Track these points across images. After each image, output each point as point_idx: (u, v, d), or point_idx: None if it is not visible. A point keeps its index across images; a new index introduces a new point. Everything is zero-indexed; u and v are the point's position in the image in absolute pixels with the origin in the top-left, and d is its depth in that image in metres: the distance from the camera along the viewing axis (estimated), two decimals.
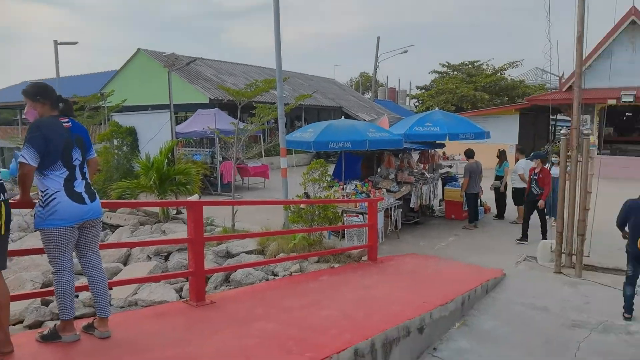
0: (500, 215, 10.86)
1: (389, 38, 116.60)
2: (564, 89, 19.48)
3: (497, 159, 11.06)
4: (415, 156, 11.89)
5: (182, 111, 21.04)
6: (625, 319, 5.24)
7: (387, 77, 52.30)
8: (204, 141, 17.26)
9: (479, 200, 10.48)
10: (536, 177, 8.69)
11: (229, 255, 8.30)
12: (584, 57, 6.91)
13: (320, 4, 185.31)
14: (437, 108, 14.21)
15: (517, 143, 16.87)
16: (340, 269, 6.47)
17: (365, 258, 7.12)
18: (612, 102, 17.75)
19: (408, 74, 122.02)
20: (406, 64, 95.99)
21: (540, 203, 8.53)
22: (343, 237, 8.81)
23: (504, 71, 31.25)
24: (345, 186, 9.36)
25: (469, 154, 10.19)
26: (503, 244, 8.75)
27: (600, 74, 18.76)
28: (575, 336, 4.87)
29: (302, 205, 7.20)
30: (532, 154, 9.35)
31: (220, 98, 19.86)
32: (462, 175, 10.57)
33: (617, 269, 7.12)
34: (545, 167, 8.93)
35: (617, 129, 23.01)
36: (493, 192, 10.92)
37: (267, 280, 6.92)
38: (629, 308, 5.26)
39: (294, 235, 7.02)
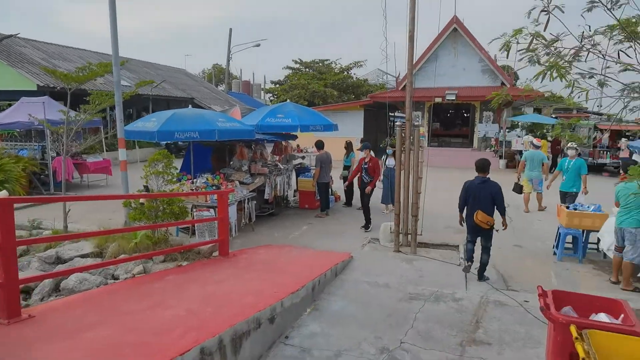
0: (348, 202, 11.50)
1: (243, 31, 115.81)
2: (399, 88, 21.53)
3: (345, 150, 11.71)
4: (269, 148, 11.93)
5: (3, 100, 17.82)
6: (466, 267, 6.40)
7: (241, 70, 51.80)
8: (32, 134, 14.87)
9: (329, 189, 10.93)
10: (366, 166, 9.35)
11: (59, 260, 7.23)
12: (415, 60, 7.63)
13: None
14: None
15: (362, 136, 18.09)
16: (188, 267, 6.09)
17: (216, 253, 6.84)
18: (438, 100, 20.22)
19: (263, 69, 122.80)
20: (261, 59, 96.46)
21: (368, 189, 9.22)
22: (194, 233, 8.38)
23: (350, 70, 33.35)
24: (195, 180, 8.91)
25: (319, 145, 10.55)
26: (352, 229, 9.27)
27: (429, 75, 21.16)
28: (413, 308, 5.33)
29: (142, 200, 6.59)
30: (361, 145, 9.93)
31: (52, 85, 17.36)
32: (315, 166, 10.93)
33: (445, 244, 8.08)
34: (374, 156, 9.69)
35: (442, 124, 26.44)
36: (342, 181, 11.52)
37: (107, 284, 6.20)
38: (469, 258, 6.47)
39: (135, 233, 6.40)
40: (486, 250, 6.35)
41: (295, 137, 11.72)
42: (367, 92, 28.96)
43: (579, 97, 4.36)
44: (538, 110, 27.12)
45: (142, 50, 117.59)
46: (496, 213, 6.25)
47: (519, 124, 23.67)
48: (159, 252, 6.11)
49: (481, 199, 6.17)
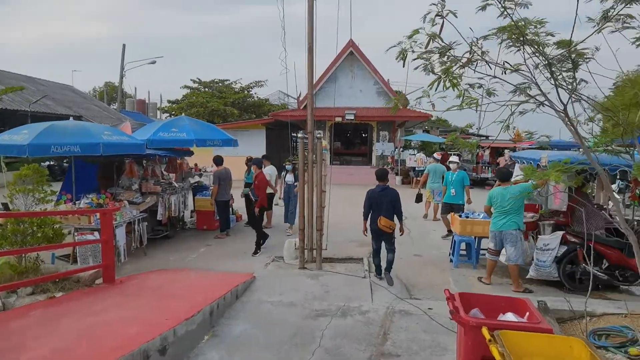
0: (250, 221, 11.05)
1: (138, 49, 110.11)
2: (301, 107, 21.73)
3: (246, 167, 11.29)
4: (164, 166, 11.09)
5: None
6: (379, 277, 6.73)
7: (136, 88, 49.06)
8: None
9: (230, 208, 10.40)
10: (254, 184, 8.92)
11: None
12: (315, 79, 7.58)
13: (59, 4, 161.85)
14: None
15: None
16: (63, 298, 5.21)
17: (100, 281, 6.00)
18: (339, 119, 20.73)
19: (159, 88, 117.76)
20: (157, 78, 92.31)
21: (255, 210, 8.55)
22: (76, 260, 7.34)
23: (251, 89, 33.15)
24: (78, 201, 7.89)
25: (218, 160, 10.01)
26: (254, 248, 8.83)
27: (329, 95, 21.67)
28: (320, 325, 5.06)
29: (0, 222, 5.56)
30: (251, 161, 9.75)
31: None
32: (213, 183, 10.34)
33: (349, 257, 7.99)
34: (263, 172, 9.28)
35: (343, 143, 27.23)
36: (244, 199, 11.04)
37: None
38: (378, 272, 6.79)
39: None
40: (391, 251, 6.79)
41: (191, 154, 11.05)
42: (269, 112, 28.88)
43: (470, 106, 4.52)
44: (427, 131, 29.18)
45: (24, 64, 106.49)
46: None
47: (412, 143, 25.19)
48: (25, 283, 5.14)
49: (383, 205, 6.57)
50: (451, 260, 7.99)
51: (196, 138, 9.29)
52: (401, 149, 21.32)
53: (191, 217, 11.10)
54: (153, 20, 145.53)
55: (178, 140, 9.32)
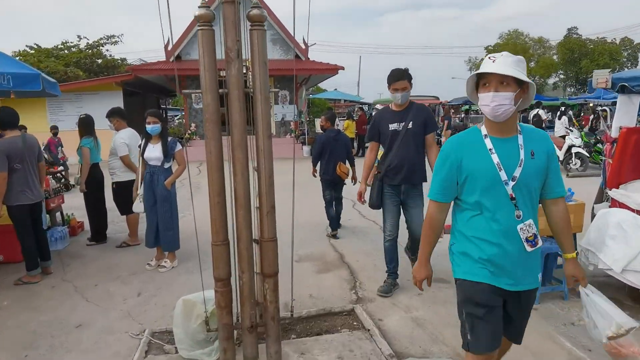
0: (95, 235, 6.02)
1: None
2: (171, 58, 16.22)
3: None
4: None
5: None
6: (332, 235, 6.06)
7: None
8: None
9: (44, 217, 5.27)
10: None
11: None
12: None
13: None
14: None
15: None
16: None
17: None
18: (223, 73, 15.65)
19: None
20: None
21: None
22: None
23: (102, 47, 25.90)
24: None
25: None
26: (97, 314, 4.02)
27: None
28: None
29: None
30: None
31: None
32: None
33: (327, 312, 3.65)
34: None
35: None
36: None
37: None
38: (333, 226, 6.14)
39: None
40: (339, 200, 6.30)
41: None
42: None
43: None
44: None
45: None
46: None
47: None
48: None
49: (337, 151, 6.08)
50: None
51: None
52: (307, 112, 17.12)
53: None
54: None
55: None
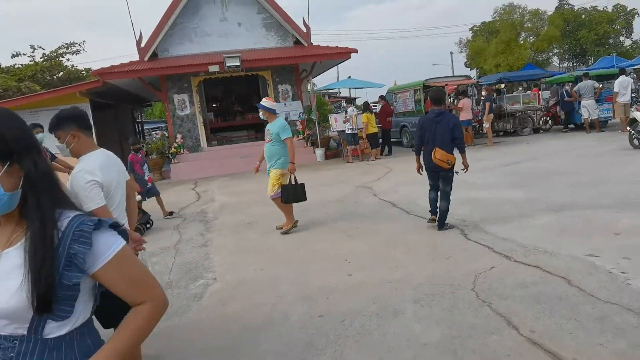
0: None
1: None
2: (145, 58, 13.17)
3: None
4: None
5: None
6: (431, 220, 5.55)
7: None
8: None
9: None
10: None
11: None
12: None
13: None
14: None
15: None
16: None
17: None
18: (214, 68, 12.61)
19: None
20: None
21: None
22: None
23: (62, 57, 22.56)
24: None
25: None
26: None
27: (188, 34, 13.63)
28: None
29: None
30: None
31: None
32: None
33: None
34: None
35: (221, 110, 18.37)
36: None
37: None
38: (433, 210, 5.56)
39: None
40: (445, 195, 5.43)
41: None
42: None
43: None
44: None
45: None
46: None
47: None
48: None
49: (438, 135, 5.32)
50: None
51: None
52: (315, 110, 14.19)
53: None
54: None
55: None
